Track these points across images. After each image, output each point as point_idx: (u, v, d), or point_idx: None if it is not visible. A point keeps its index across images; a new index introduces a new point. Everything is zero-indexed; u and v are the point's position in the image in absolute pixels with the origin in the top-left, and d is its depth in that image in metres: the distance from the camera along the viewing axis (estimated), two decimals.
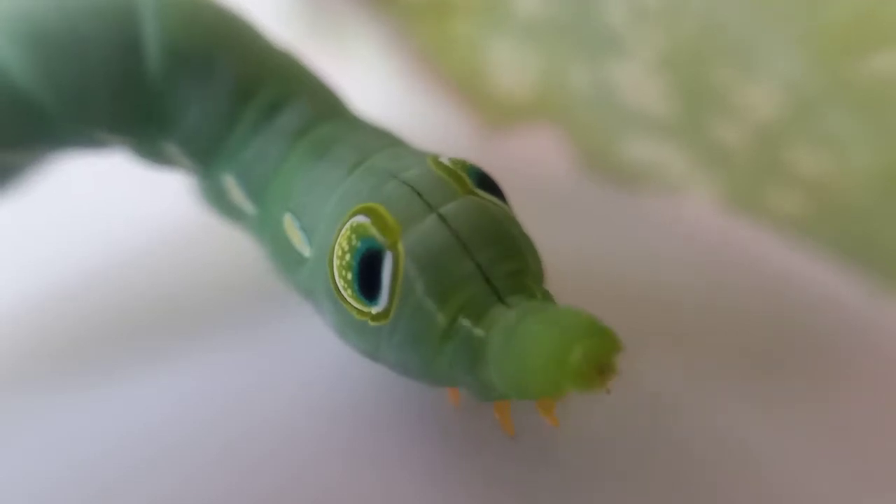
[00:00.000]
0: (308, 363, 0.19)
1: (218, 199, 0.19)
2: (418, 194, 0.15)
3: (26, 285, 0.21)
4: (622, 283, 0.16)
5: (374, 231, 0.15)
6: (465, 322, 0.14)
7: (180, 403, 0.18)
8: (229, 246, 0.20)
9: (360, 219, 0.15)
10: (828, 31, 0.19)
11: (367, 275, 0.15)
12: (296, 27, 0.28)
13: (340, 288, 0.15)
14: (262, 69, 0.18)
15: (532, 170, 0.24)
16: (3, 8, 0.17)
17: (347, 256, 0.15)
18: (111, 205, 0.23)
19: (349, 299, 0.15)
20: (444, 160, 0.16)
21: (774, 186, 0.22)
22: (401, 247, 0.15)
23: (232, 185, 0.18)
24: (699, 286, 0.19)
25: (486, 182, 0.16)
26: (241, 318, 0.20)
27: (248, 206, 0.18)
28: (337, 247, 0.15)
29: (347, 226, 0.15)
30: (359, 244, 0.15)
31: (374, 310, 0.15)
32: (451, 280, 0.15)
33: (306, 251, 0.17)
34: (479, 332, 0.14)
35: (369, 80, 0.27)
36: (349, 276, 0.15)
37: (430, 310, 0.14)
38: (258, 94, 0.18)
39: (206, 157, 0.18)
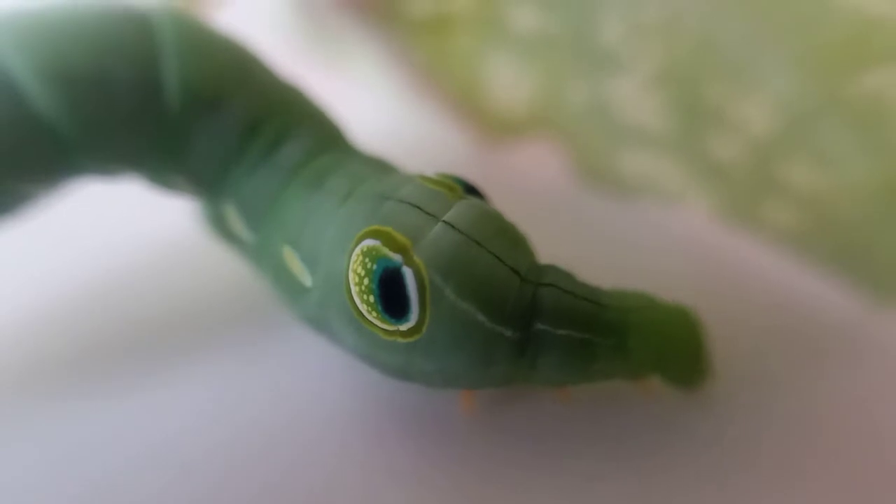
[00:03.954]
0: (310, 375, 0.19)
1: (218, 226, 0.20)
2: (419, 208, 0.16)
3: (30, 299, 0.21)
4: None
5: (385, 251, 0.15)
6: (561, 331, 0.16)
7: (182, 416, 0.18)
8: (232, 258, 0.21)
9: (370, 242, 0.15)
10: (822, 49, 0.20)
11: (388, 294, 0.15)
12: (295, 44, 0.29)
13: (364, 312, 0.16)
14: (268, 107, 0.19)
15: (530, 183, 0.24)
16: (32, 45, 0.17)
17: (366, 280, 0.15)
18: (117, 219, 0.23)
19: (375, 321, 0.15)
20: (431, 175, 0.17)
21: (769, 200, 0.22)
22: (418, 259, 0.15)
23: (232, 213, 0.19)
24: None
25: (472, 191, 0.17)
26: (241, 332, 0.20)
27: (246, 235, 0.19)
28: (352, 274, 0.15)
29: (357, 251, 0.15)
30: (374, 266, 0.15)
31: (404, 327, 0.15)
32: (477, 276, 0.15)
33: (308, 281, 0.17)
34: (588, 337, 0.16)
35: (368, 96, 0.27)
36: (371, 299, 0.15)
37: (468, 310, 0.15)
38: (263, 131, 0.18)
39: (210, 187, 0.19)
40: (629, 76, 0.23)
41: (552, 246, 0.17)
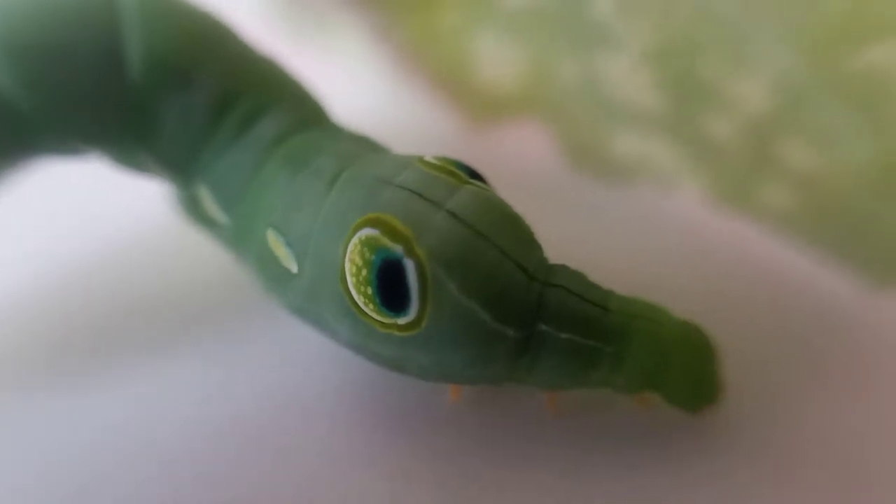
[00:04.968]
0: (294, 365, 0.19)
1: (192, 209, 0.19)
2: (419, 196, 0.15)
3: (4, 284, 0.21)
4: (610, 277, 0.16)
5: (386, 241, 0.14)
6: (564, 335, 0.15)
7: (154, 404, 0.18)
8: (207, 245, 0.20)
9: (368, 231, 0.15)
10: (819, 24, 0.19)
11: (387, 286, 0.15)
12: (277, 22, 0.28)
13: (360, 304, 0.15)
14: (241, 80, 0.18)
15: (519, 164, 0.24)
16: None
17: (364, 271, 0.15)
18: (88, 204, 0.23)
19: (371, 313, 0.15)
20: (430, 159, 0.16)
21: (765, 181, 0.21)
22: (420, 251, 0.14)
23: (205, 195, 0.18)
24: (688, 281, 0.19)
25: (474, 174, 0.16)
26: (217, 319, 0.20)
27: (220, 217, 0.18)
28: (349, 264, 0.15)
29: (356, 240, 0.15)
30: (373, 257, 0.15)
31: (402, 320, 0.15)
32: (483, 272, 0.15)
33: (294, 267, 0.16)
34: (591, 343, 0.15)
35: (353, 74, 0.27)
36: (369, 290, 0.15)
37: (471, 308, 0.14)
38: (236, 106, 0.18)
39: (181, 167, 0.18)
40: (621, 53, 0.22)
41: (541, 230, 0.16)
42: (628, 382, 0.16)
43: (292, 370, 0.19)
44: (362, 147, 0.17)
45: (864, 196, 0.20)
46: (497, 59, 0.25)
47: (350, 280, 0.15)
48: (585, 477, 0.17)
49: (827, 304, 0.20)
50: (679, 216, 0.22)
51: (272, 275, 0.17)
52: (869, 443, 0.17)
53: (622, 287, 0.16)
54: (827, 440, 0.17)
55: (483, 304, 0.15)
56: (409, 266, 0.14)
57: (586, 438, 0.17)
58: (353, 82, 0.26)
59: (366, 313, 0.15)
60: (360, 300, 0.15)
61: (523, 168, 0.24)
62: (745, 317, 0.19)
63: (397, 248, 0.14)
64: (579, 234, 0.20)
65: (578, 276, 0.16)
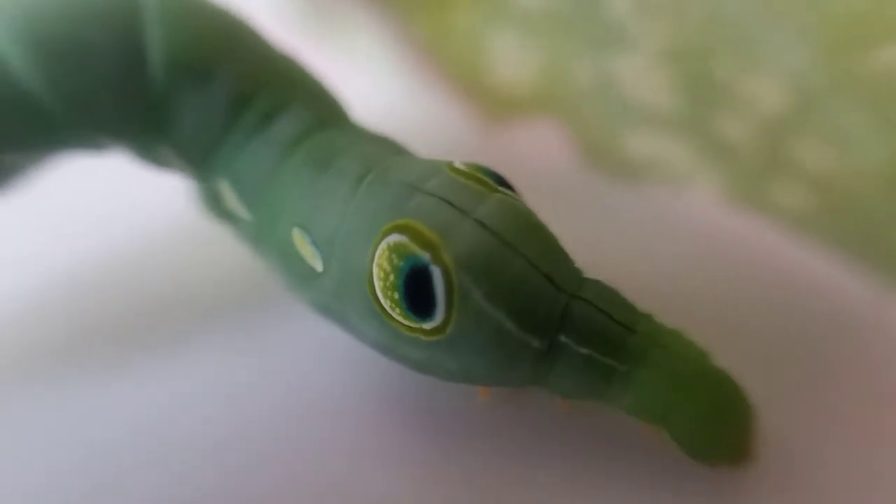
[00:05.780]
0: (309, 361, 0.19)
1: (213, 204, 0.19)
2: (449, 203, 0.15)
3: (17, 282, 0.21)
4: (624, 277, 0.16)
5: (414, 248, 0.15)
6: (583, 350, 0.15)
7: (177, 402, 0.18)
8: (229, 241, 0.20)
9: (397, 237, 0.15)
10: (835, 24, 0.19)
11: (415, 292, 0.15)
12: (294, 20, 0.28)
13: (387, 308, 0.15)
14: (261, 77, 0.18)
15: (533, 163, 0.24)
16: (10, 13, 0.17)
17: (392, 277, 0.15)
18: (107, 201, 0.23)
19: (397, 318, 0.15)
20: (459, 164, 0.16)
21: (779, 181, 0.21)
22: (447, 259, 0.14)
23: (226, 190, 0.18)
24: (702, 281, 0.18)
25: (502, 182, 0.16)
26: (240, 316, 0.20)
27: (242, 213, 0.18)
28: (377, 268, 0.15)
29: (384, 246, 0.15)
30: (401, 263, 0.15)
31: (428, 325, 0.15)
32: (509, 282, 0.15)
33: (319, 266, 0.17)
34: (608, 361, 0.15)
35: (368, 73, 0.27)
36: (395, 295, 0.15)
37: (496, 317, 0.15)
38: (256, 102, 0.18)
39: (201, 161, 0.18)
40: (636, 53, 0.22)
41: (554, 229, 0.16)
42: (634, 408, 0.15)
43: (317, 370, 0.19)
44: (385, 149, 0.17)
45: (879, 197, 0.20)
46: (512, 59, 0.25)
47: (377, 284, 0.15)
48: (612, 473, 0.17)
49: (841, 304, 0.20)
50: (693, 216, 0.22)
51: (297, 272, 0.17)
52: (884, 445, 0.17)
53: (635, 284, 0.16)
54: (840, 442, 0.17)
55: (509, 314, 0.15)
56: (436, 273, 0.15)
57: (612, 436, 0.17)
58: (368, 81, 0.26)
59: (392, 317, 0.15)
60: (386, 304, 0.15)
61: (537, 168, 0.24)
62: (759, 317, 0.19)
63: (425, 255, 0.15)
64: (592, 233, 0.20)
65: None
